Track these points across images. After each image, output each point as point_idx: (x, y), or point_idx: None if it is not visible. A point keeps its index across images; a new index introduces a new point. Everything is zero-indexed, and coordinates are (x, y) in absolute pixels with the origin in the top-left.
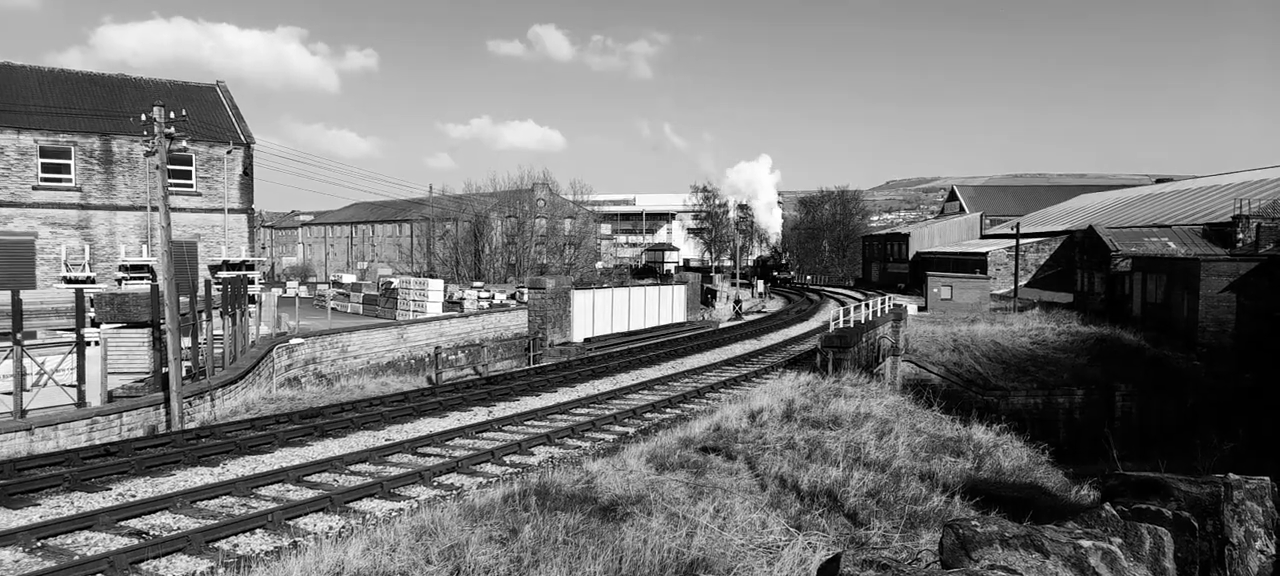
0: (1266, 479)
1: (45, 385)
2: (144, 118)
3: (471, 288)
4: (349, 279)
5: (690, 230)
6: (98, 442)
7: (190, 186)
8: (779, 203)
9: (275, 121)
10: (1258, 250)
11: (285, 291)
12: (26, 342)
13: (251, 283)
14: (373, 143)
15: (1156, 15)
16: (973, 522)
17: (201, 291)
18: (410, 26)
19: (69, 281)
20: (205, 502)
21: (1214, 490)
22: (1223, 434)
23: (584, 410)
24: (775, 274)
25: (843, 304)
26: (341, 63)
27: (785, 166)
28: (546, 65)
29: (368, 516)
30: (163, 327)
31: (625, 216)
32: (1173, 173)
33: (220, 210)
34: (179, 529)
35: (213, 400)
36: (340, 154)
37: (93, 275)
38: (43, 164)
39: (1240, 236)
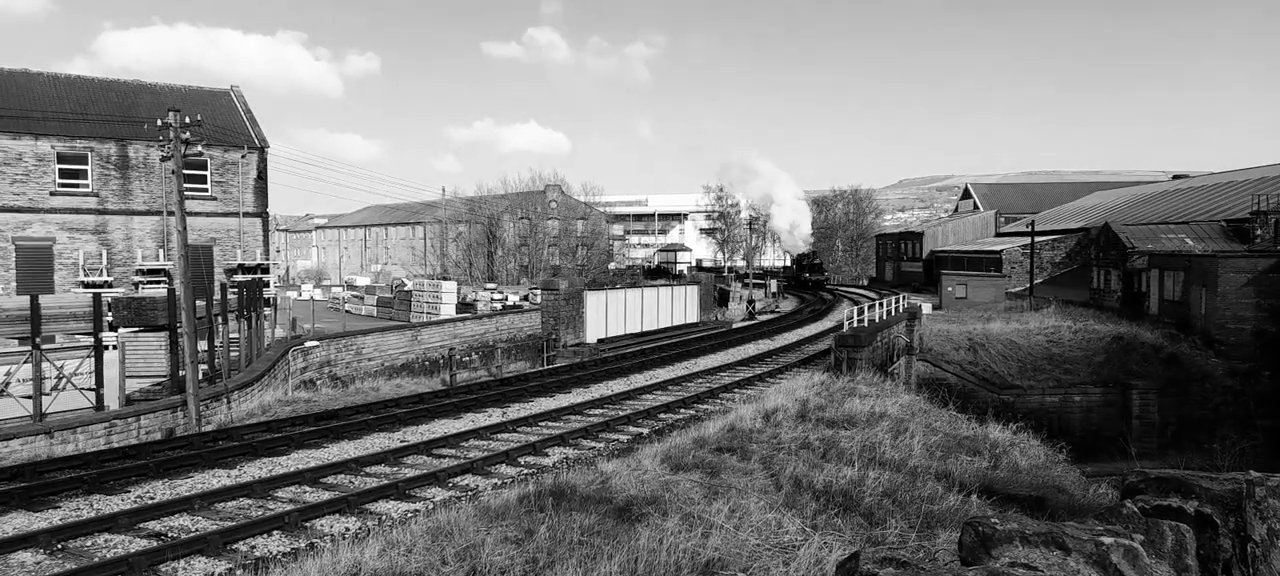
0: None
1: (64, 388)
2: (160, 123)
3: (485, 289)
4: (363, 281)
5: (703, 230)
6: (116, 445)
7: (206, 191)
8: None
9: (279, 125)
10: (1276, 246)
11: (300, 294)
12: (45, 347)
13: (267, 286)
14: (378, 145)
15: (1170, 11)
16: (992, 520)
17: (217, 295)
18: (409, 29)
19: (86, 286)
20: (223, 504)
21: (1236, 487)
22: (1241, 432)
23: (598, 411)
24: (807, 276)
25: (857, 303)
26: (344, 67)
27: (796, 166)
28: (545, 68)
29: (384, 517)
30: (179, 331)
31: (638, 217)
32: (1189, 169)
33: (235, 214)
34: (197, 530)
35: (229, 403)
36: (346, 157)
37: (110, 279)
38: (60, 170)
39: (1259, 233)
